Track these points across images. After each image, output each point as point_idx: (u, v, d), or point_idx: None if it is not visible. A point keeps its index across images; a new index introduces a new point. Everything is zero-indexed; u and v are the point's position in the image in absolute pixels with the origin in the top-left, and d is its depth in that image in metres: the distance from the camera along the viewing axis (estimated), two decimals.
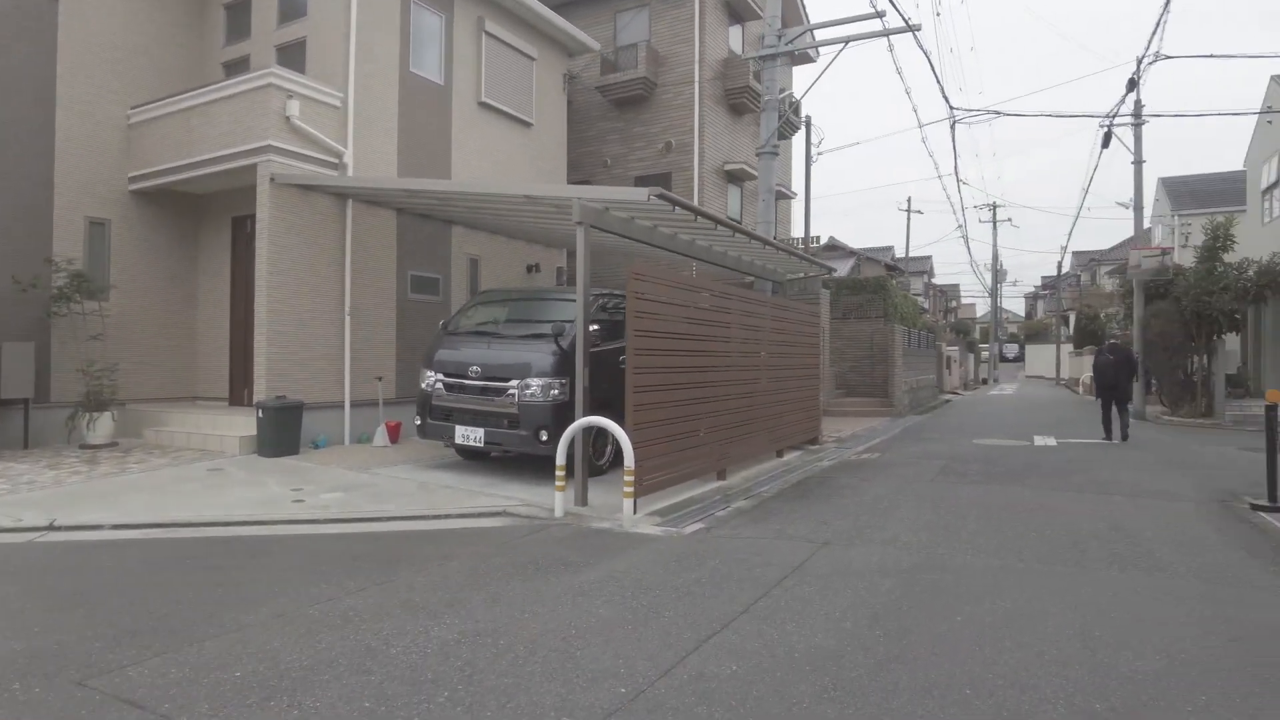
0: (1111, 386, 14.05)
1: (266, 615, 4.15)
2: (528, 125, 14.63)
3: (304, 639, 3.81)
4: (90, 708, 3.06)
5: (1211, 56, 17.10)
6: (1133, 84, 16.84)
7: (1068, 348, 44.44)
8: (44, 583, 4.83)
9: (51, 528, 6.34)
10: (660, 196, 6.99)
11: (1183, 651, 3.70)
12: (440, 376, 8.96)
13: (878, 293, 22.58)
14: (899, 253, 48.08)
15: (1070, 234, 79.94)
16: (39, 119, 10.52)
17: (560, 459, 6.94)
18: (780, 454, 11.45)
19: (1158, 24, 16.86)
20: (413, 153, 12.28)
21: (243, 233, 11.74)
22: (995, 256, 51.36)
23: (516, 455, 9.33)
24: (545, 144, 15.12)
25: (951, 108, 17.70)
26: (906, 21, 11.71)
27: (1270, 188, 19.19)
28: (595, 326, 8.31)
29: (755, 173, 16.76)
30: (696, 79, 16.52)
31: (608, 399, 7.82)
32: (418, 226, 12.37)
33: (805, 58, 19.94)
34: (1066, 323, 51.64)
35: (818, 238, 14.37)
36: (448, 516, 7.16)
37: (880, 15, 11.74)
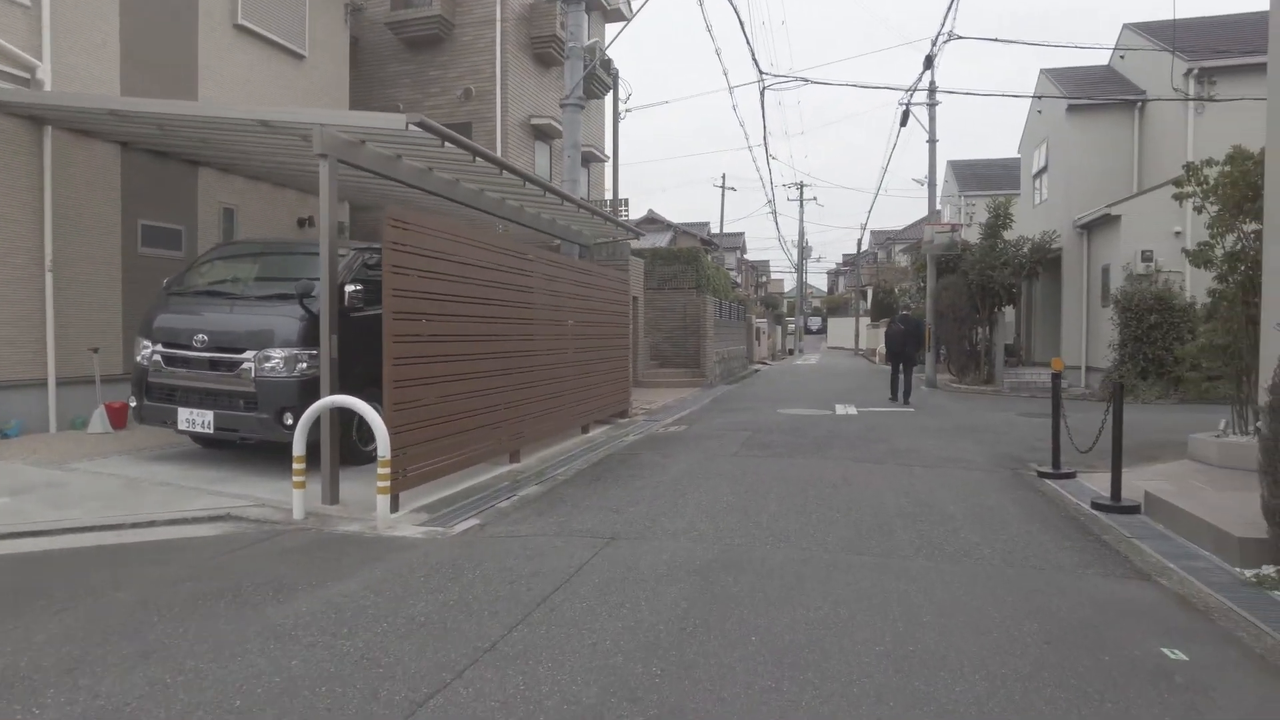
0: (900, 353, 15.28)
1: None
2: (299, 58, 12.65)
3: None
4: None
5: (996, 40, 18.19)
6: (929, 61, 17.47)
7: (866, 320, 47.40)
8: None
9: None
10: (421, 125, 5.77)
11: (1003, 665, 3.15)
12: (159, 348, 7.23)
13: (691, 264, 22.37)
14: (715, 228, 48.89)
15: (870, 212, 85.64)
16: None
17: (298, 448, 5.61)
18: (586, 430, 10.61)
19: (950, 6, 17.53)
20: (142, 78, 10.07)
21: None
22: (801, 234, 53.77)
23: (266, 443, 7.80)
24: (321, 82, 13.18)
25: (761, 72, 17.53)
26: None
27: (1040, 172, 20.82)
28: (359, 287, 6.95)
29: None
30: (498, 20, 15.13)
31: (380, 374, 6.53)
32: (152, 167, 10.21)
33: (618, 14, 19.04)
34: (865, 297, 55.15)
35: (626, 200, 13.62)
36: (153, 524, 5.63)
37: None
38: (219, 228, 11.22)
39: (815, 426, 11.17)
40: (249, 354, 6.79)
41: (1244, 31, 16.64)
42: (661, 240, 35.74)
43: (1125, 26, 19.07)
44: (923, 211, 21.95)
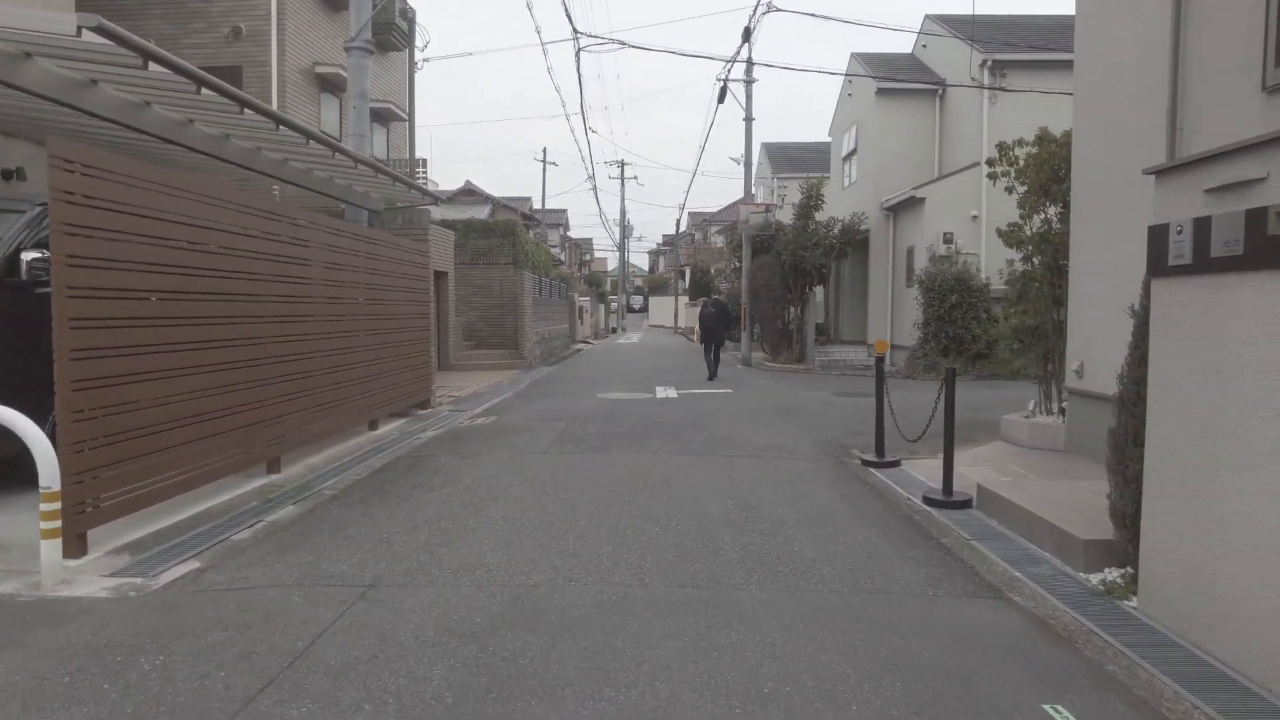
0: (712, 333, 16.37)
1: None
2: None
3: None
4: None
5: (814, 15, 18.27)
6: (748, 33, 17.18)
7: (684, 300, 48.01)
8: None
9: None
10: (101, 31, 4.19)
11: None
12: None
13: (508, 237, 21.01)
14: (537, 204, 47.45)
15: (687, 193, 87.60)
16: None
17: None
18: (374, 426, 9.17)
19: None
20: None
21: None
22: (623, 213, 53.53)
23: None
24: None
25: (576, 32, 16.70)
26: None
27: (849, 155, 21.39)
28: (38, 254, 5.22)
29: None
30: None
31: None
32: None
33: None
34: (683, 277, 56.00)
35: (424, 160, 12.12)
36: None
37: None
38: None
39: (635, 413, 10.39)
40: None
41: (1034, 30, 17.68)
42: (480, 214, 33.90)
43: (927, 16, 19.80)
44: (738, 194, 21.94)
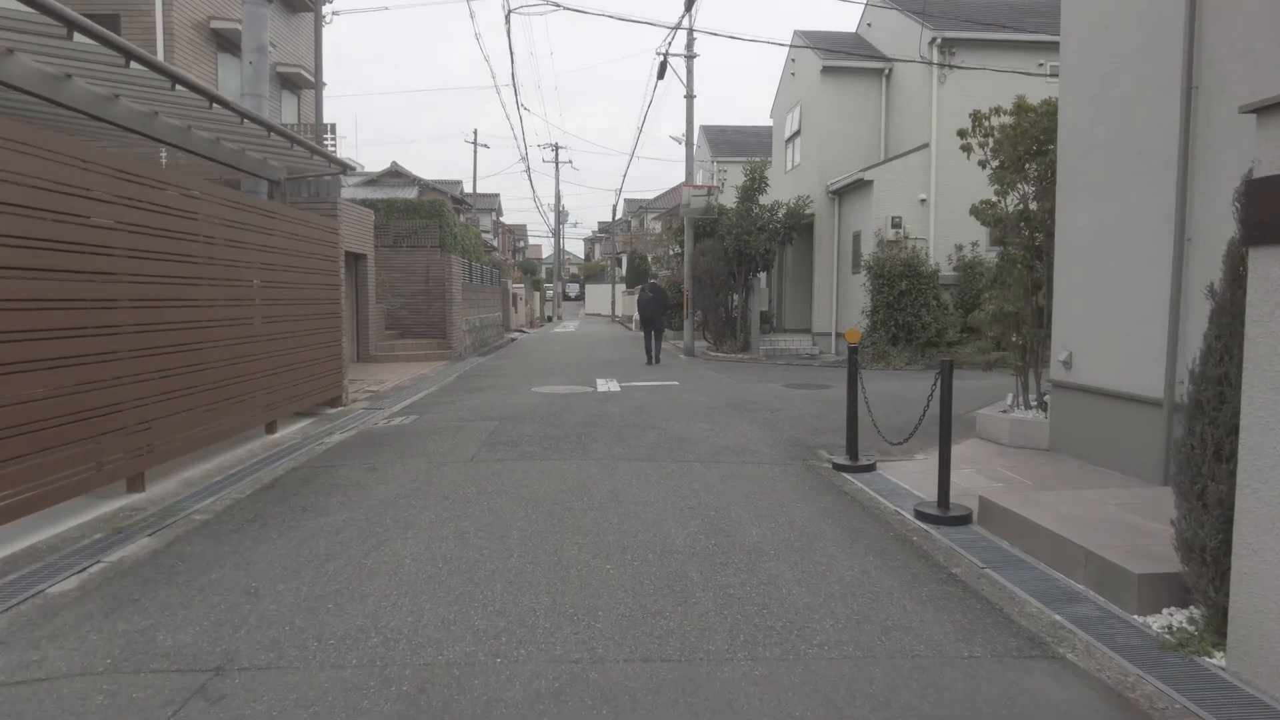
0: (651, 319, 16.40)
1: None
2: None
3: None
4: None
5: None
6: (690, 2, 16.20)
7: (621, 287, 47.00)
8: None
9: None
10: None
11: None
12: None
13: (434, 218, 19.65)
14: (469, 189, 45.68)
15: (624, 177, 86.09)
16: None
17: None
18: (272, 429, 7.94)
19: None
20: None
21: None
22: (558, 197, 52.15)
23: None
24: None
25: None
26: None
27: (792, 137, 20.69)
28: None
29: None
30: None
31: None
32: None
33: None
34: (620, 264, 54.99)
35: (332, 126, 10.77)
36: None
37: None
38: None
39: (576, 410, 9.37)
40: None
41: (985, 8, 17.22)
42: (408, 196, 32.19)
43: None
44: (676, 179, 21.03)
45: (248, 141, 7.95)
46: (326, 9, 13.48)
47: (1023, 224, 7.57)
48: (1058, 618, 3.40)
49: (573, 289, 72.30)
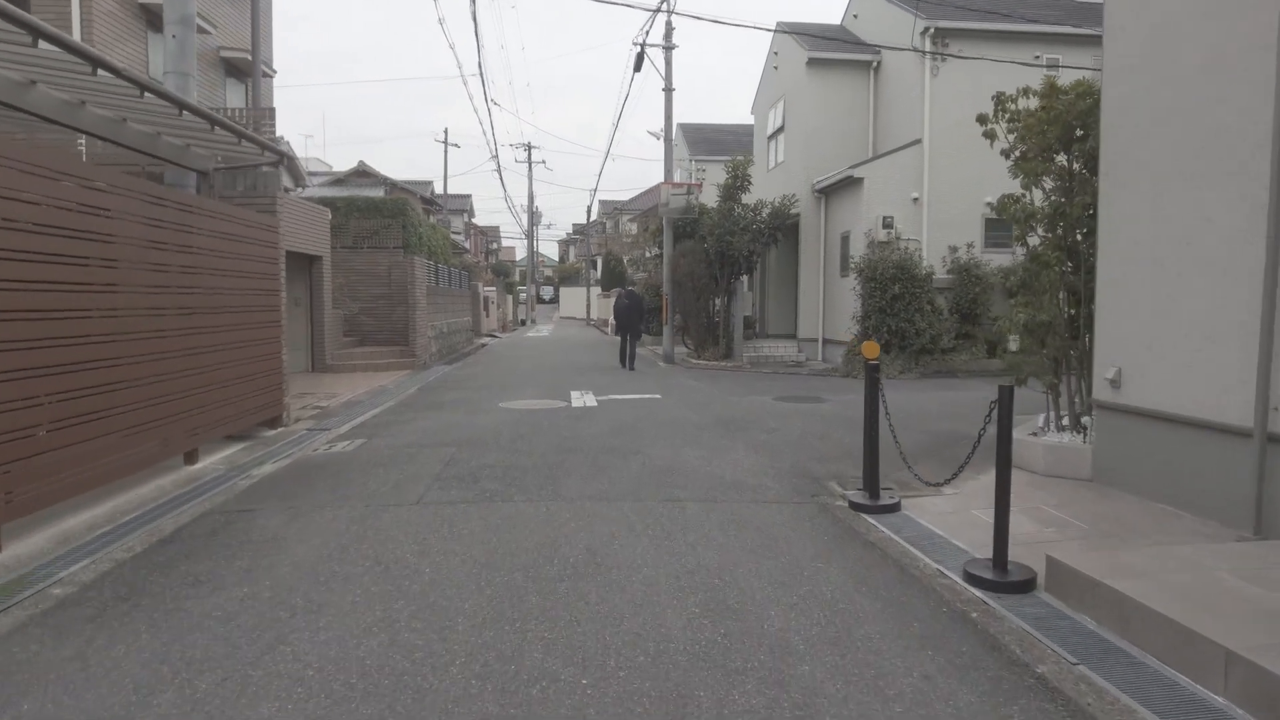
0: (627, 324, 16.39)
1: None
2: None
3: None
4: None
5: None
6: None
7: (596, 290, 45.95)
8: None
9: None
10: None
11: None
12: None
13: (397, 217, 18.47)
14: (440, 189, 44.41)
15: (600, 175, 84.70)
16: None
17: None
18: (193, 458, 6.80)
19: None
20: None
21: None
22: (531, 198, 51.02)
23: None
24: None
25: None
26: None
27: (775, 133, 19.79)
28: None
29: (201, 23, 11.15)
30: None
31: None
32: None
33: None
34: (595, 266, 53.96)
35: (272, 110, 9.64)
36: None
37: None
38: None
39: (547, 431, 8.31)
40: None
41: None
42: (374, 195, 30.92)
43: None
44: (651, 180, 20.03)
45: (163, 125, 6.82)
46: None
47: (1056, 221, 6.65)
48: None
49: (547, 292, 71.12)
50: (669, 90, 17.88)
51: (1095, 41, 13.59)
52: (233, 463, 6.95)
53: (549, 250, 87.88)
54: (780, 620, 3.42)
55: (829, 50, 17.22)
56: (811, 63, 17.08)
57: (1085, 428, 6.45)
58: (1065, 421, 6.69)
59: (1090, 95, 6.52)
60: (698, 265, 17.25)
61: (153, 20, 11.67)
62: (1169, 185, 5.27)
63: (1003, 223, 15.93)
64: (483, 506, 5.26)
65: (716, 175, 20.45)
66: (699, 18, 13.89)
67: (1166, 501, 5.29)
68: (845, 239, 16.10)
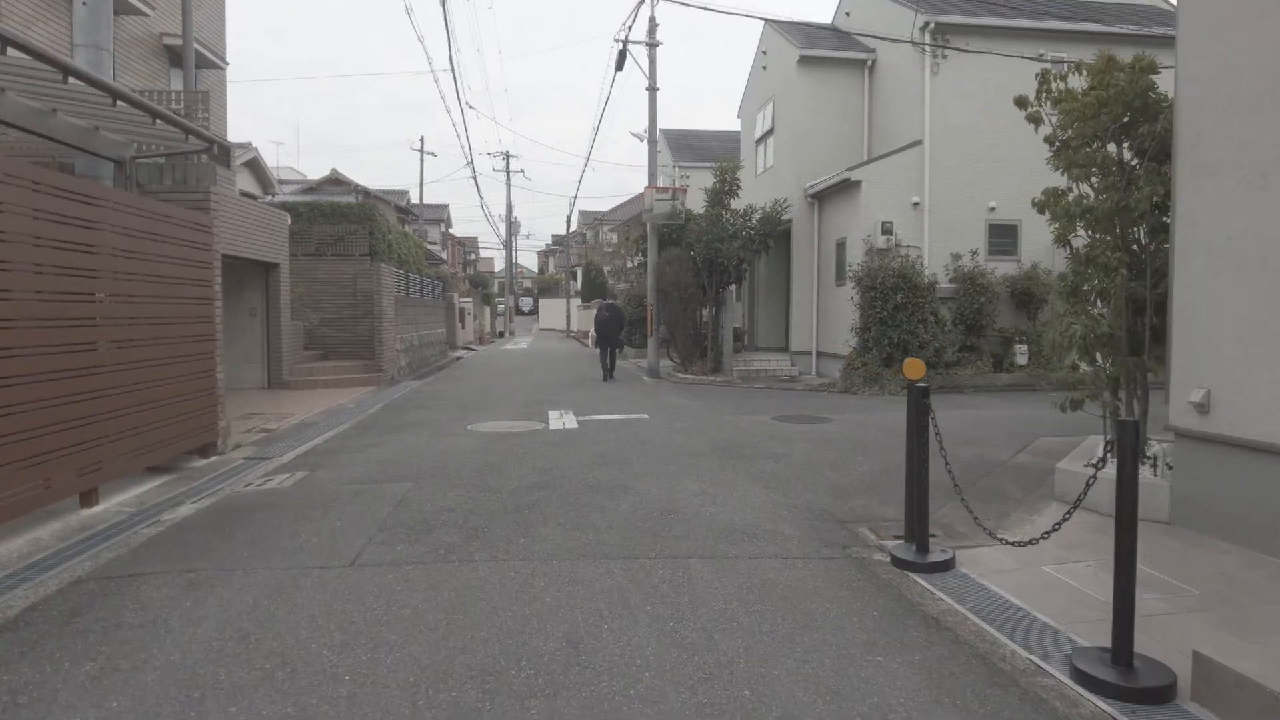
0: (607, 337, 16.29)
1: None
2: None
3: None
4: None
5: None
6: None
7: (577, 301, 44.90)
8: None
9: None
10: None
11: None
12: None
13: (363, 223, 17.34)
14: (416, 199, 43.22)
15: (580, 180, 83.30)
16: None
17: None
18: (91, 499, 5.64)
19: None
20: None
21: None
22: (509, 208, 49.86)
23: None
24: None
25: None
26: None
27: (764, 136, 18.89)
28: None
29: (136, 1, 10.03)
30: None
31: None
32: None
33: None
34: (575, 278, 52.92)
35: (205, 94, 8.51)
36: None
37: None
38: None
39: (520, 460, 7.23)
40: None
41: None
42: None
43: None
44: (633, 190, 19.03)
45: (60, 100, 5.70)
46: None
47: (1114, 217, 5.70)
48: None
49: (526, 303, 69.88)
50: (653, 89, 16.92)
51: (1103, 39, 12.87)
52: (143, 503, 5.80)
53: (528, 261, 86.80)
54: None
55: (821, 47, 16.36)
56: (803, 61, 16.21)
57: (1152, 459, 5.48)
58: (1142, 453, 5.71)
59: (1152, 70, 5.60)
60: (684, 274, 16.25)
61: None
62: (1275, 173, 4.32)
63: (1007, 229, 15.21)
64: (434, 569, 4.17)
65: (702, 181, 19.51)
66: (686, 3, 12.87)
67: (1276, 553, 4.32)
68: (841, 246, 15.18)
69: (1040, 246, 14.66)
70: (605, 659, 3.08)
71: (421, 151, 43.44)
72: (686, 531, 4.89)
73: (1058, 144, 6.17)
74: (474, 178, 57.89)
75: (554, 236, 76.55)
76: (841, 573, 4.22)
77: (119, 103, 5.34)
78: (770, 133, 18.41)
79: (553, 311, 52.38)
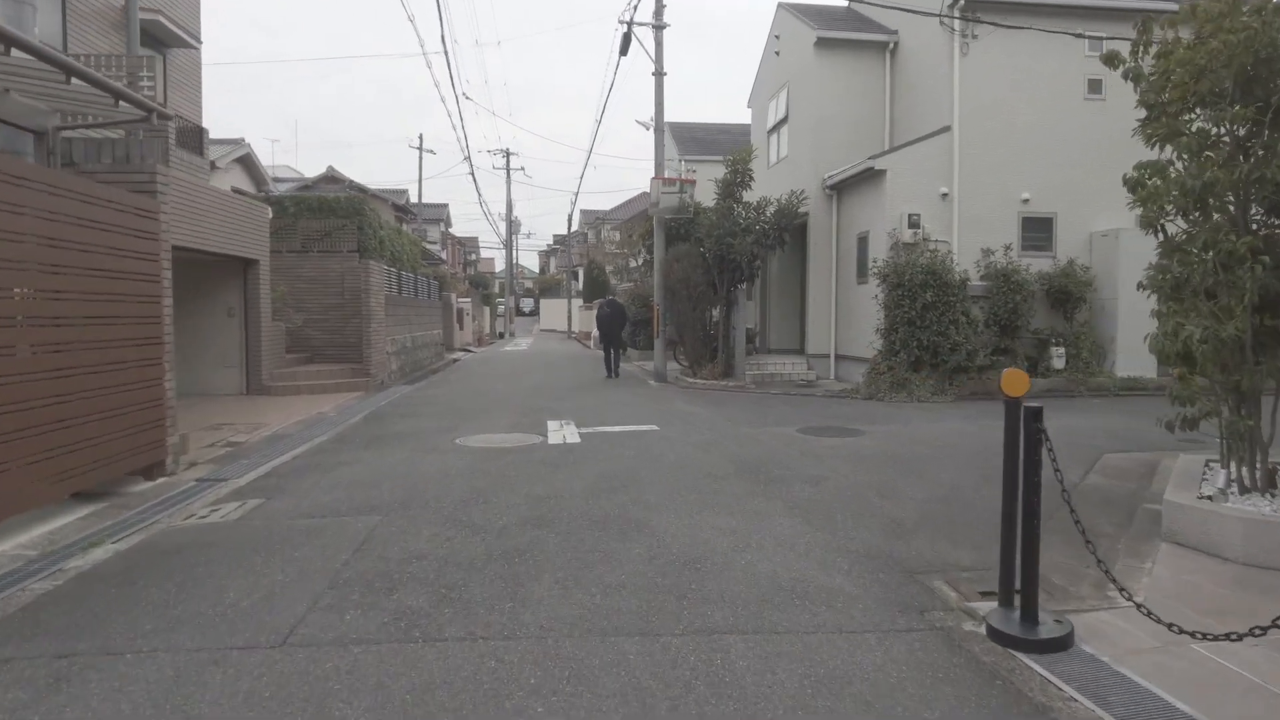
0: (609, 334, 16.58)
1: None
2: None
3: None
4: None
5: None
6: None
7: (578, 302, 43.90)
8: None
9: None
10: None
11: None
12: None
13: (351, 217, 16.31)
14: (415, 198, 42.24)
15: (582, 176, 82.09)
16: None
17: None
18: None
19: None
20: None
21: None
22: (509, 206, 48.83)
23: None
24: None
25: None
26: None
27: (777, 125, 17.85)
28: None
29: None
30: None
31: None
32: None
33: None
34: (576, 277, 51.93)
35: (147, 59, 7.48)
36: None
37: None
38: None
39: (512, 485, 6.19)
40: None
41: None
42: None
43: None
44: (635, 189, 18.00)
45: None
46: None
47: (1257, 185, 4.64)
48: None
49: (527, 304, 68.87)
50: (660, 74, 15.90)
51: (1151, 17, 11.78)
52: (51, 543, 4.78)
53: (529, 261, 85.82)
54: None
55: (840, 29, 15.31)
56: (820, 44, 15.16)
57: None
58: (1255, 480, 4.67)
59: None
60: (694, 271, 15.20)
61: None
62: None
63: (1041, 222, 14.10)
64: (389, 653, 3.13)
65: (709, 175, 18.50)
66: None
67: None
68: (863, 240, 14.13)
69: (1077, 241, 13.63)
70: None
71: (420, 149, 42.50)
72: (719, 590, 3.84)
73: (1152, 109, 5.14)
74: (471, 173, 56.81)
75: (555, 236, 75.47)
76: (929, 653, 3.19)
77: (14, 51, 4.32)
78: (784, 121, 17.37)
79: (554, 312, 51.39)
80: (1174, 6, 5.81)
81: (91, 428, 5.66)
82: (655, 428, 9.19)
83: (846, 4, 17.67)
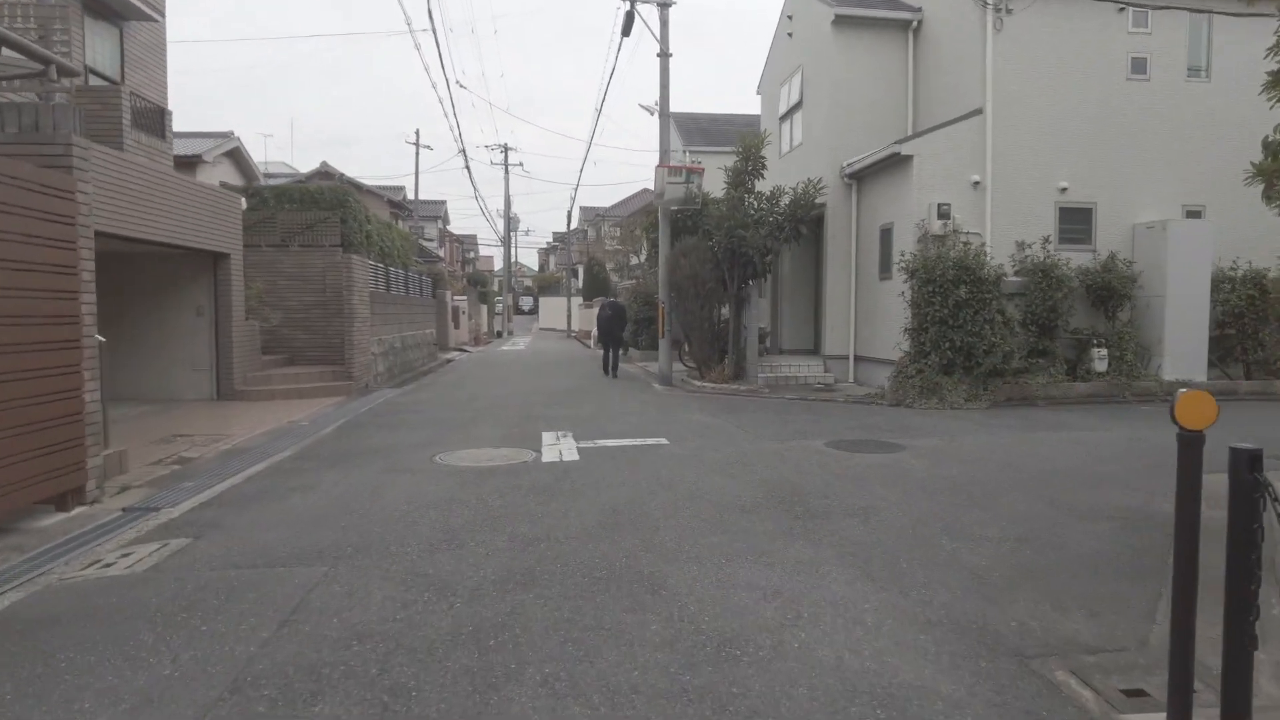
0: (610, 335, 16.59)
1: None
2: None
3: None
4: None
5: None
6: None
7: (578, 300, 42.84)
8: None
9: None
10: None
11: None
12: None
13: (335, 209, 15.22)
14: (411, 194, 41.14)
15: (583, 166, 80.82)
16: None
17: None
18: None
19: None
20: None
21: None
22: (507, 203, 47.66)
23: None
24: None
25: None
26: None
27: (789, 112, 16.76)
28: None
29: None
30: None
31: None
32: None
33: None
34: (576, 275, 50.87)
35: (63, 7, 6.39)
36: None
37: None
38: None
39: (495, 522, 5.11)
40: None
41: None
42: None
43: None
44: (636, 185, 16.89)
45: None
46: None
47: None
48: None
49: (526, 302, 67.80)
50: (665, 55, 14.81)
51: None
52: None
53: (528, 259, 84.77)
54: None
55: (859, 6, 14.20)
56: (838, 22, 14.06)
57: None
58: None
59: None
60: (702, 266, 14.11)
61: None
62: None
63: (1080, 213, 12.93)
64: None
65: (716, 167, 17.40)
66: None
67: None
68: (886, 233, 13.05)
69: (1118, 233, 12.54)
70: None
71: (417, 145, 41.33)
72: (769, 696, 2.76)
73: None
74: (466, 166, 55.49)
75: (554, 234, 74.28)
76: None
77: None
78: (798, 106, 16.27)
79: (553, 310, 50.27)
80: None
81: None
82: (664, 441, 8.10)
83: None
